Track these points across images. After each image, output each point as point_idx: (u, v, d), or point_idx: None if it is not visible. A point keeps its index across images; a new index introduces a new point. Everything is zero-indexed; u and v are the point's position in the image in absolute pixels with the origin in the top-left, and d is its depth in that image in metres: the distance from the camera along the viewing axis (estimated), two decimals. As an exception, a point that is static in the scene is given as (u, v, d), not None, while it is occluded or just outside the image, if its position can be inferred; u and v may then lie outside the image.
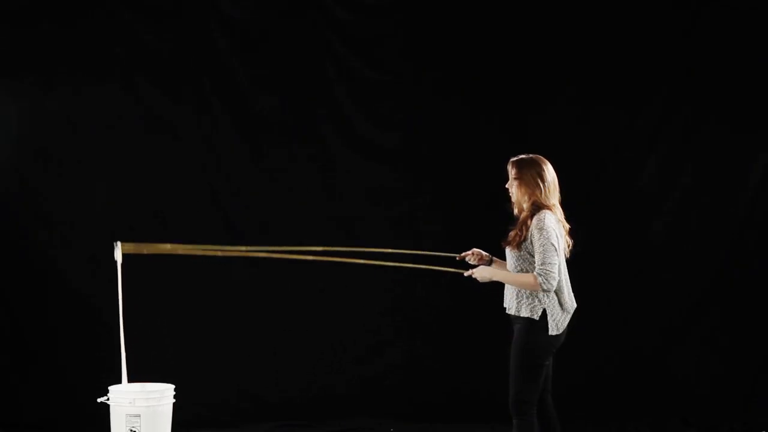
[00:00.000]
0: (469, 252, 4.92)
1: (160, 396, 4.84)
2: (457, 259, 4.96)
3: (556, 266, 4.39)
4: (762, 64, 6.73)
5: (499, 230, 4.66)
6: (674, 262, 6.79)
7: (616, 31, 6.77)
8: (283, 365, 6.66)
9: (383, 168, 6.76)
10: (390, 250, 5.19)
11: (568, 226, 4.59)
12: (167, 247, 4.86)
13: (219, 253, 5.07)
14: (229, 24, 6.63)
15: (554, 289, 4.41)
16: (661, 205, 6.83)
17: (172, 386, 4.95)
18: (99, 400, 4.83)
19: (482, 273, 4.64)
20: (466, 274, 4.73)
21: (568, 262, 4.61)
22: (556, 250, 4.39)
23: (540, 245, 4.40)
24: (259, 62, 6.67)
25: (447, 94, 6.79)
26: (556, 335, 4.44)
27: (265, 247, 5.21)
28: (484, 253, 4.90)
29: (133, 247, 4.75)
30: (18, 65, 6.37)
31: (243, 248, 5.10)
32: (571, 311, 4.52)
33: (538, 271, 4.38)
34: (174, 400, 4.94)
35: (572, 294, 4.56)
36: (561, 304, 4.46)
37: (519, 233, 4.50)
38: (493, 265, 4.84)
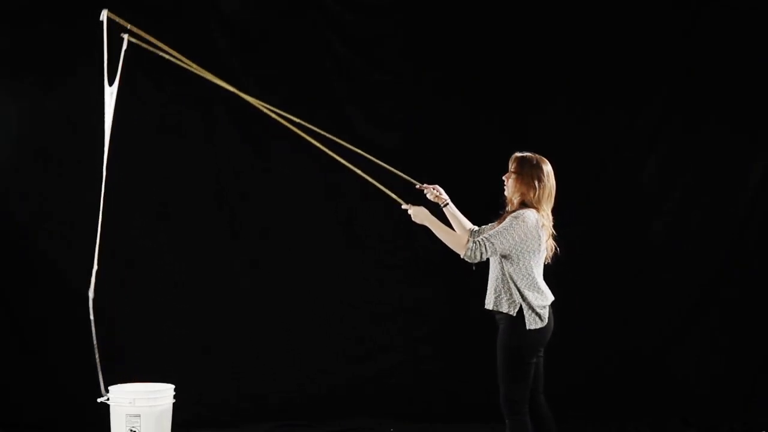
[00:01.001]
0: (431, 186, 4.94)
1: (160, 396, 4.84)
2: (417, 187, 4.99)
3: (495, 250, 4.36)
4: (762, 64, 6.73)
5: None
6: (674, 262, 6.79)
7: (616, 32, 6.76)
8: (283, 365, 6.66)
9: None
10: (357, 149, 5.09)
11: (553, 232, 4.56)
12: (142, 33, 4.76)
13: (194, 69, 4.92)
14: (229, 24, 6.63)
15: (473, 262, 4.40)
16: (661, 205, 6.83)
17: (172, 386, 4.95)
18: (99, 400, 4.84)
19: (417, 213, 4.62)
20: (404, 206, 4.72)
21: (554, 265, 4.62)
22: (512, 243, 4.36)
23: (503, 227, 4.40)
24: (259, 62, 6.67)
25: (447, 94, 6.78)
26: (539, 330, 4.40)
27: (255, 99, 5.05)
28: (444, 195, 4.93)
29: (117, 18, 4.64)
30: (18, 65, 6.37)
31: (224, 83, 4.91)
32: (548, 302, 4.47)
33: (478, 239, 4.37)
34: (174, 400, 4.94)
35: (547, 287, 4.52)
36: (534, 301, 4.40)
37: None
38: (449, 208, 4.88)
